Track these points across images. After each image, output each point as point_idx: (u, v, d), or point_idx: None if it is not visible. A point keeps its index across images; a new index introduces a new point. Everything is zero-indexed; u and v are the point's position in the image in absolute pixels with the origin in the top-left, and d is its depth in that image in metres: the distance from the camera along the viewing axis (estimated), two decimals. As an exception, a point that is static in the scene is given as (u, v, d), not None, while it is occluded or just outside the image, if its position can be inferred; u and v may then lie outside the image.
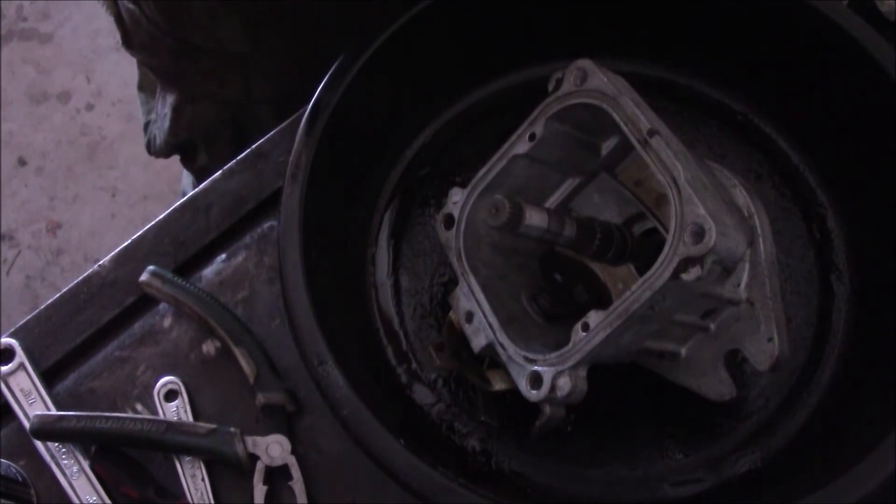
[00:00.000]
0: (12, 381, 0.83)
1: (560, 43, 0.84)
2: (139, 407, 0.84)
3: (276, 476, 0.80)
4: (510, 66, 0.91)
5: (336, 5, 0.92)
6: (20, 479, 0.81)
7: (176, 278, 0.86)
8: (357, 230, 0.86)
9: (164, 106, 1.13)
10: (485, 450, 0.78)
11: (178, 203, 0.91)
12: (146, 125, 1.21)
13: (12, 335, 0.86)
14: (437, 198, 0.88)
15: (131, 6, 1.00)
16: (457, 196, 0.76)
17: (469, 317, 0.73)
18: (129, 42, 1.06)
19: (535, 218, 0.69)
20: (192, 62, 1.03)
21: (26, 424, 0.81)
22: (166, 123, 1.13)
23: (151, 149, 1.21)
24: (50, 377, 0.85)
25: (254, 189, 0.91)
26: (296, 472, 0.79)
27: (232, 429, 0.80)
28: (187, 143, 1.16)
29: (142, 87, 1.22)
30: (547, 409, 0.69)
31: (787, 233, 0.84)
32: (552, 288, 0.76)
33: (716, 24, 0.84)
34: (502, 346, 0.71)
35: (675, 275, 0.62)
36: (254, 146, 0.93)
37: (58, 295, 0.88)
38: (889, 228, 0.78)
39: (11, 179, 2.34)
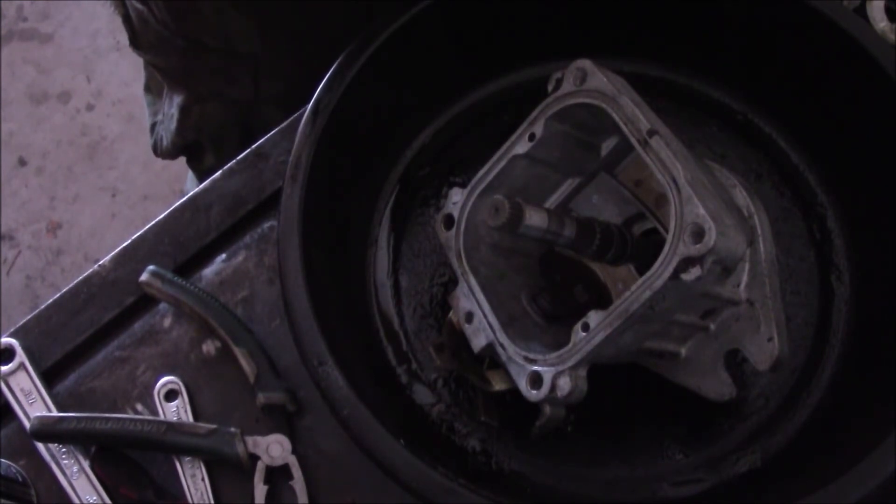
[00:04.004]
0: (12, 381, 0.83)
1: (560, 43, 0.84)
2: (139, 407, 0.84)
3: (277, 476, 0.80)
4: (510, 66, 0.91)
5: (344, 4, 0.92)
6: (20, 479, 0.81)
7: (176, 278, 0.86)
8: (357, 230, 0.86)
9: (171, 106, 1.13)
10: (485, 450, 0.78)
11: (178, 203, 0.91)
12: (152, 126, 1.21)
13: (12, 335, 0.86)
14: (437, 198, 0.88)
15: (140, 6, 0.99)
16: (457, 196, 0.76)
17: (469, 317, 0.73)
18: (136, 42, 1.06)
19: (534, 218, 0.69)
20: (200, 61, 1.03)
21: (26, 424, 0.81)
22: (173, 124, 1.13)
23: (158, 150, 1.21)
24: (50, 377, 0.85)
25: (254, 189, 0.91)
26: (296, 471, 0.79)
27: (232, 429, 0.80)
28: (194, 145, 1.16)
29: (148, 88, 1.22)
30: (547, 409, 0.69)
31: (787, 233, 0.84)
32: (552, 288, 0.76)
33: (716, 24, 0.84)
34: (502, 346, 0.71)
35: (675, 275, 0.62)
36: (254, 146, 0.93)
37: (58, 295, 0.88)
38: (889, 228, 0.78)
39: (11, 179, 2.34)
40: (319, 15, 0.94)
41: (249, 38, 0.98)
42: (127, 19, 1.04)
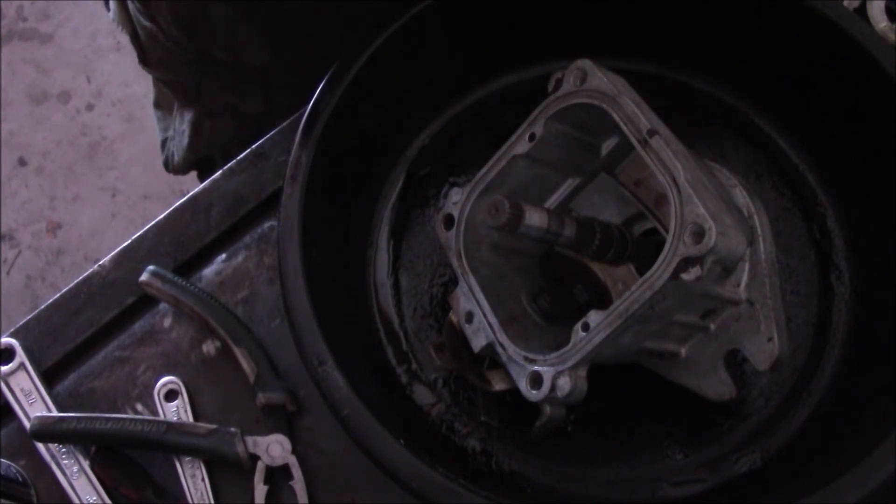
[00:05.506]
0: (12, 381, 0.83)
1: (560, 43, 0.84)
2: (139, 407, 0.84)
3: (277, 476, 0.80)
4: (510, 66, 0.91)
5: (356, 15, 0.91)
6: (20, 479, 0.81)
7: (176, 278, 0.86)
8: (357, 230, 0.86)
9: (182, 123, 1.13)
10: (485, 450, 0.78)
11: (178, 203, 0.91)
12: (163, 142, 1.21)
13: (12, 335, 0.86)
14: (437, 198, 0.88)
15: (147, 24, 0.99)
16: (457, 196, 0.76)
17: (469, 317, 0.73)
18: (146, 60, 1.05)
19: (534, 218, 0.69)
20: (211, 76, 1.03)
21: (26, 424, 0.81)
22: (185, 140, 1.13)
23: (169, 166, 1.21)
24: (50, 377, 0.85)
25: (254, 189, 0.91)
26: (296, 471, 0.79)
27: (232, 429, 0.80)
28: (205, 159, 1.16)
29: (158, 104, 1.22)
30: (547, 409, 0.69)
31: (787, 233, 0.84)
32: (552, 288, 0.76)
33: (716, 23, 0.84)
34: (502, 346, 0.71)
35: (675, 275, 0.62)
36: (254, 146, 0.93)
37: (58, 295, 0.88)
38: (889, 228, 0.78)
39: (11, 179, 2.34)
40: (331, 26, 0.94)
41: (261, 51, 0.98)
42: (135, 37, 1.03)
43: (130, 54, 1.12)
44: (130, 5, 1.01)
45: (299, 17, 0.94)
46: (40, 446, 0.81)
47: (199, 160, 1.16)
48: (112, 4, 1.05)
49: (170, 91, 1.14)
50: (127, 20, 1.03)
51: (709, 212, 0.62)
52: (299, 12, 0.93)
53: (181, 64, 1.02)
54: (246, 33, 0.95)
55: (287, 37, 0.97)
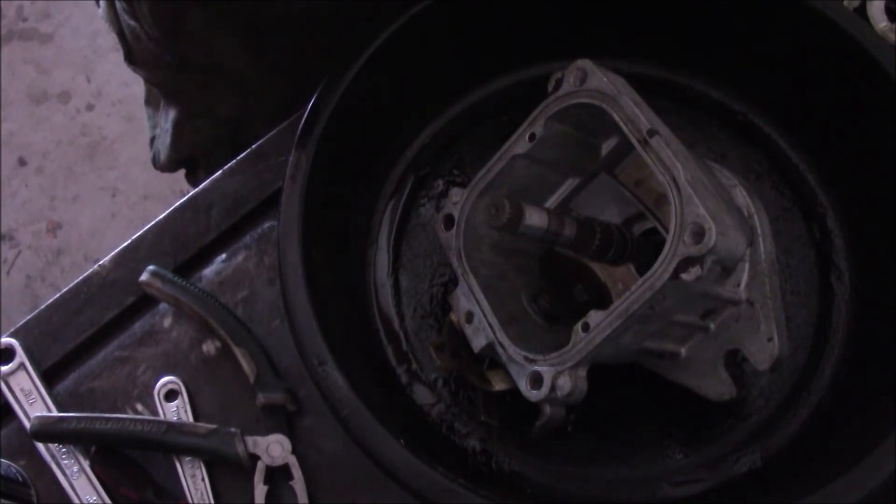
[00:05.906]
0: (12, 381, 0.83)
1: (560, 43, 0.84)
2: (139, 407, 0.84)
3: (277, 476, 0.80)
4: (510, 66, 0.91)
5: (334, 21, 0.91)
6: (20, 479, 0.81)
7: (176, 278, 0.86)
8: (357, 230, 0.86)
9: (167, 121, 1.13)
10: (485, 450, 0.78)
11: (178, 203, 0.91)
12: (152, 140, 1.21)
13: (12, 335, 0.86)
14: (437, 198, 0.88)
15: (132, 23, 0.99)
16: (457, 196, 0.76)
17: (469, 317, 0.74)
18: (131, 58, 1.06)
19: (534, 218, 0.69)
20: (190, 78, 1.03)
21: (26, 424, 0.81)
22: (168, 139, 1.14)
23: (157, 164, 1.21)
24: (50, 377, 0.85)
25: (254, 189, 0.91)
26: (296, 471, 0.79)
27: (232, 429, 0.80)
28: (190, 159, 1.17)
29: (148, 101, 1.22)
30: (547, 409, 0.69)
31: (787, 233, 0.84)
32: (552, 288, 0.76)
33: (716, 23, 0.84)
34: (502, 346, 0.71)
35: (675, 275, 0.62)
36: (254, 146, 0.93)
37: (58, 295, 0.88)
38: (889, 228, 0.78)
39: (11, 179, 2.34)
40: (309, 33, 0.94)
41: (238, 56, 0.98)
42: (122, 35, 1.04)
43: (131, 55, 1.12)
44: (117, 4, 1.01)
45: (279, 24, 0.94)
46: (40, 446, 0.81)
47: (184, 159, 1.17)
48: (101, 3, 1.05)
49: (156, 89, 1.15)
50: (115, 19, 1.03)
51: (709, 212, 0.62)
52: (279, 20, 0.93)
53: (162, 64, 1.02)
54: (224, 39, 0.96)
55: (266, 44, 0.97)
